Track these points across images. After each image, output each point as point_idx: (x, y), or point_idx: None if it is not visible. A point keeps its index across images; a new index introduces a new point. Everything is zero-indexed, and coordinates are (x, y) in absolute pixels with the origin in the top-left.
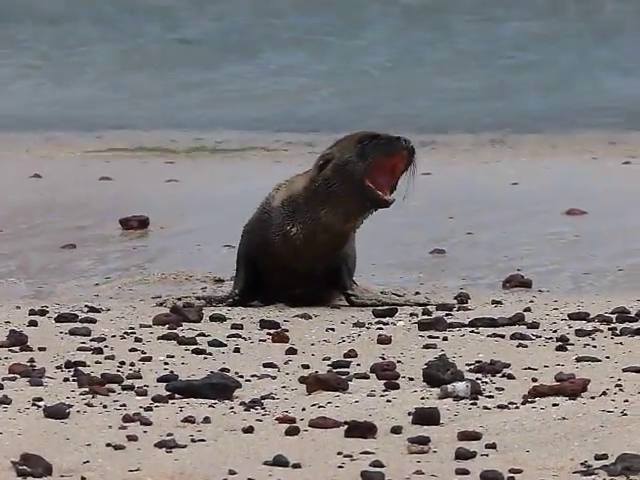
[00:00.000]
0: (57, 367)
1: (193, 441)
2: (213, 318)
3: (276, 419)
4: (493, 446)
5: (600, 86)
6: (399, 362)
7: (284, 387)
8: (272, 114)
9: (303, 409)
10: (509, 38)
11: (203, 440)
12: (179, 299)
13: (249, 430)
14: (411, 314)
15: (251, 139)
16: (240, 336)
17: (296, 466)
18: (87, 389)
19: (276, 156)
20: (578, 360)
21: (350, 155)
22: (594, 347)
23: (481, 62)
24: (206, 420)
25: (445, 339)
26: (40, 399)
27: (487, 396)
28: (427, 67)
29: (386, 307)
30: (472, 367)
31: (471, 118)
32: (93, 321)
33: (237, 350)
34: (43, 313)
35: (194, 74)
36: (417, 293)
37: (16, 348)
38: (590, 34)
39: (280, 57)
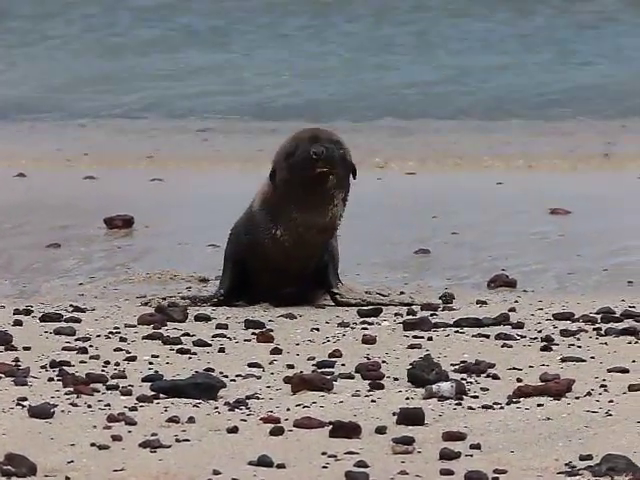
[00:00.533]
0: (42, 367)
1: (177, 441)
2: (198, 318)
3: (261, 419)
4: (478, 446)
5: (586, 81)
6: (384, 362)
7: (269, 387)
8: (253, 103)
9: (288, 409)
10: (489, 30)
11: (187, 440)
12: (164, 299)
13: (234, 430)
14: (396, 314)
15: (232, 127)
16: (225, 336)
17: (280, 466)
18: (72, 389)
19: (259, 145)
20: (563, 360)
21: (285, 172)
22: (579, 347)
23: (457, 51)
24: (190, 420)
25: (430, 339)
26: (25, 399)
27: (472, 396)
28: (404, 56)
29: (371, 307)
30: (457, 367)
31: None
32: (78, 321)
33: (222, 350)
34: (28, 313)
35: (170, 63)
36: (402, 293)
37: (1, 347)
38: (575, 25)
39: (257, 45)
